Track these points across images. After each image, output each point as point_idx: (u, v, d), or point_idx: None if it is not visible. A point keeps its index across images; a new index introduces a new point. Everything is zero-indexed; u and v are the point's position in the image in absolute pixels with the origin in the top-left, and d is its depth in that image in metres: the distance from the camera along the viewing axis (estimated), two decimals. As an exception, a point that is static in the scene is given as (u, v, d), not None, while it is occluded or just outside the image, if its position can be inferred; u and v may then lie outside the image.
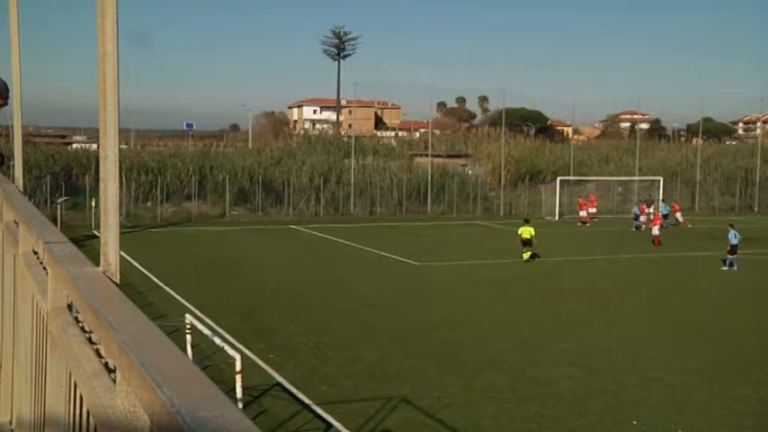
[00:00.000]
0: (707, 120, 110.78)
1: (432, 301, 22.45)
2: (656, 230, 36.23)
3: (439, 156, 64.19)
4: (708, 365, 15.83)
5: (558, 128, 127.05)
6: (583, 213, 45.52)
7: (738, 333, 18.80)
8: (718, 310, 21.77)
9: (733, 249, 28.08)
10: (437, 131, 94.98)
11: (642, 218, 42.68)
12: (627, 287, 25.36)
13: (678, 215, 45.71)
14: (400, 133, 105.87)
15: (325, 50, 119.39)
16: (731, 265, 28.18)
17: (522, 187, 54.97)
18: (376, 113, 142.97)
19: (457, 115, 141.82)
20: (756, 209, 56.33)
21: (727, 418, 12.94)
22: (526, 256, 30.00)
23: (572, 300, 22.79)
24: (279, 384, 14.15)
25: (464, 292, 23.97)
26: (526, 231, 30.22)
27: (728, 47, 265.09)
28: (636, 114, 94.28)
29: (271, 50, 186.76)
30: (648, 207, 45.96)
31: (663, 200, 48.06)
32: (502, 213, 51.31)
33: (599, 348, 17.08)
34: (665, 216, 42.24)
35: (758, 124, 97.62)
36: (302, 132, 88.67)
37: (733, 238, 28.10)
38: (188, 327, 13.91)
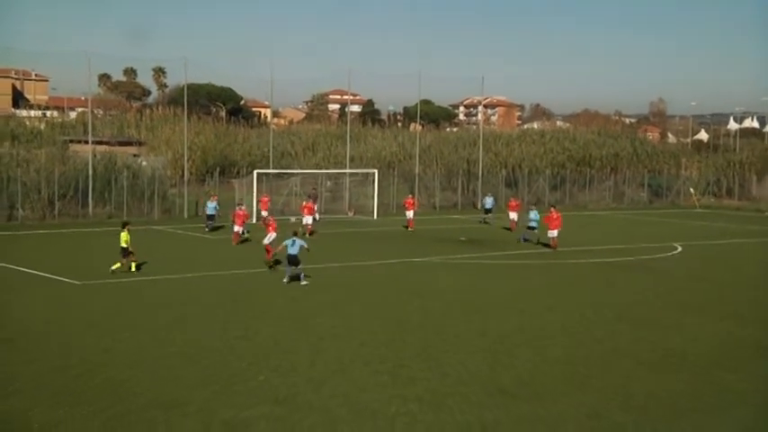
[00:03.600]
0: (425, 102, 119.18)
1: (98, 330, 21.73)
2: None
3: (104, 142, 62.35)
4: (429, 391, 16.89)
5: (254, 109, 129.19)
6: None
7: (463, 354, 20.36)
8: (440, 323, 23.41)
9: None
10: (100, 111, 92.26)
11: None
12: (323, 304, 26.34)
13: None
14: (49, 113, 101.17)
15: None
16: None
17: (212, 183, 55.02)
18: (14, 86, 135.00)
19: (126, 91, 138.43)
20: (480, 206, 61.17)
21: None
22: (128, 267, 30.23)
23: (269, 323, 23.21)
24: None
25: (138, 318, 23.50)
26: (122, 238, 30.31)
27: (447, 19, 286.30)
28: (346, 95, 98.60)
29: None
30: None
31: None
32: (186, 216, 50.92)
33: (304, 379, 17.53)
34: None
35: (479, 108, 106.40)
36: None
37: None
38: None
